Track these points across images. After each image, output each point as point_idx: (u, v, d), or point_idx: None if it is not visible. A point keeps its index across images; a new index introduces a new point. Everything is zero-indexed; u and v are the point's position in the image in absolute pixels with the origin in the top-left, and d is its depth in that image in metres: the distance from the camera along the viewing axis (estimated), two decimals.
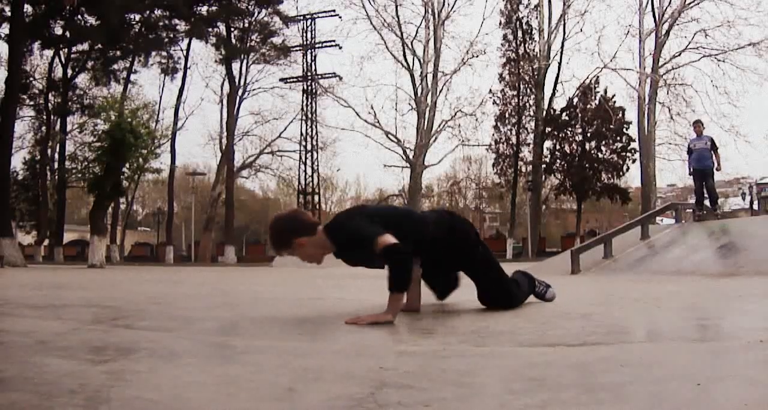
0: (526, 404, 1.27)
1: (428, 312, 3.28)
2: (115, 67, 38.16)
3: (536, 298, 3.63)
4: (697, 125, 12.61)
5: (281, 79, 39.88)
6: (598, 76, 33.43)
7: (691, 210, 12.98)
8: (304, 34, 41.34)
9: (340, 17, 37.50)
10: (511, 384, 1.46)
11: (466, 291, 3.44)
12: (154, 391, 1.45)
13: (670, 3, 30.04)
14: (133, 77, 38.64)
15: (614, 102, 35.02)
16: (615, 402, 1.29)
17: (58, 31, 35.59)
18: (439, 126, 32.55)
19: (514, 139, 36.44)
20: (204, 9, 37.33)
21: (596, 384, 1.47)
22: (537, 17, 34.02)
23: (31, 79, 36.51)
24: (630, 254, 10.14)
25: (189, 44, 38.13)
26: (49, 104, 37.27)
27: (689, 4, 29.69)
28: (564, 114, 35.31)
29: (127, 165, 18.30)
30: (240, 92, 37.18)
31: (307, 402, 1.34)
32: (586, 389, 1.41)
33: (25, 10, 25.03)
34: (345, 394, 1.38)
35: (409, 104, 32.50)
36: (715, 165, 11.90)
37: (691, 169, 12.14)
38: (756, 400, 1.28)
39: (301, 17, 40.39)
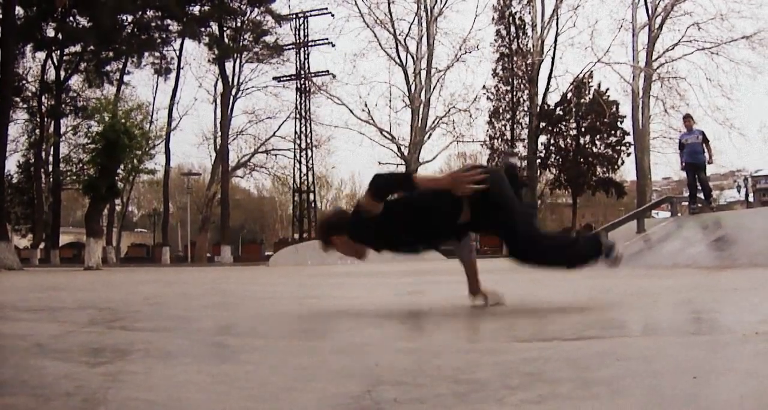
0: (523, 399, 1.27)
1: (424, 310, 3.28)
2: (108, 68, 38.15)
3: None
4: (687, 120, 12.64)
5: (274, 78, 39.85)
6: (591, 71, 33.47)
7: (686, 203, 13.01)
8: (297, 33, 41.23)
9: (332, 15, 37.38)
10: (508, 380, 1.46)
11: (460, 288, 3.44)
12: (151, 392, 1.45)
13: None
14: (126, 78, 38.71)
15: (608, 96, 35.01)
16: (611, 396, 1.30)
17: (51, 32, 35.55)
18: (434, 122, 32.61)
19: (508, 135, 36.50)
20: (196, 9, 37.33)
21: (593, 378, 1.47)
22: (530, 12, 33.98)
23: (24, 81, 36.42)
24: (626, 248, 10.15)
25: (182, 44, 38.14)
26: (43, 107, 37.19)
27: None
28: (558, 109, 35.29)
29: (122, 166, 18.26)
30: (233, 91, 37.13)
31: (303, 400, 1.34)
32: (583, 383, 1.41)
33: (16, 12, 24.95)
34: (341, 392, 1.38)
35: (403, 101, 32.56)
36: (708, 158, 11.93)
37: (684, 164, 12.18)
38: (752, 393, 1.28)
39: (294, 16, 40.31)
